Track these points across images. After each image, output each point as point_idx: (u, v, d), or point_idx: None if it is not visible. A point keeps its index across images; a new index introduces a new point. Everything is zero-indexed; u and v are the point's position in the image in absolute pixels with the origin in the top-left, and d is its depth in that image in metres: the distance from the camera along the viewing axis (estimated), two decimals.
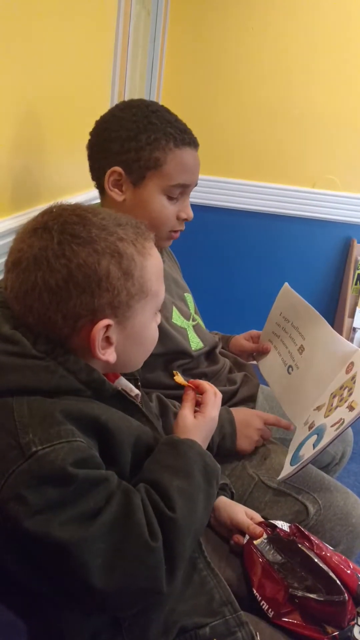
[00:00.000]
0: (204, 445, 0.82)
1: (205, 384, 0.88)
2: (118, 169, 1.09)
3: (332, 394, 1.10)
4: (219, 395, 0.89)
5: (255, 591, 0.86)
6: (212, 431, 0.86)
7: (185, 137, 1.10)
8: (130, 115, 1.09)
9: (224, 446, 1.15)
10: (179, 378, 0.92)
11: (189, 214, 1.16)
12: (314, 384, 1.18)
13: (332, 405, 1.08)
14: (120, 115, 1.10)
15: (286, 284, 1.35)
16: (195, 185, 1.17)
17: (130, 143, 1.08)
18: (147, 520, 0.66)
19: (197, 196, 2.53)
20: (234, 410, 1.20)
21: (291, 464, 1.08)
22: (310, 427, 1.11)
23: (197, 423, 0.83)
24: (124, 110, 1.11)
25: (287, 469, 1.09)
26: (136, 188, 1.10)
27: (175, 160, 1.09)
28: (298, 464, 1.04)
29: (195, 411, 0.86)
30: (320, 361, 1.18)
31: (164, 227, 1.14)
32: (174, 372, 0.95)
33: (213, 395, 0.87)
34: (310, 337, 1.23)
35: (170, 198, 1.12)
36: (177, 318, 1.19)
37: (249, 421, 1.19)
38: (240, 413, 1.20)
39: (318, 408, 1.13)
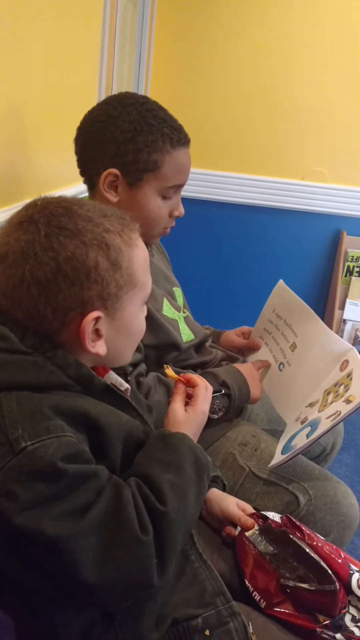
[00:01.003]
0: (195, 439, 0.82)
1: (196, 378, 0.88)
2: (114, 170, 1.08)
3: (326, 391, 1.11)
4: (210, 389, 0.89)
5: (247, 582, 0.87)
6: (202, 424, 0.86)
7: (180, 137, 1.10)
8: (126, 114, 1.08)
9: (242, 396, 1.21)
10: (170, 372, 0.92)
11: (181, 211, 1.17)
12: (306, 381, 1.18)
13: (326, 401, 1.08)
14: (115, 114, 1.08)
15: (281, 281, 1.35)
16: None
17: (127, 145, 1.07)
18: (138, 514, 0.66)
19: (187, 189, 2.53)
20: (234, 364, 1.27)
21: (282, 453, 1.09)
22: (302, 422, 1.11)
23: (187, 417, 0.83)
24: (118, 108, 1.09)
25: (277, 457, 1.09)
26: (132, 190, 1.10)
27: (173, 162, 1.09)
28: (289, 453, 1.05)
29: (186, 404, 0.86)
30: (314, 358, 1.19)
31: (158, 226, 1.15)
32: (165, 365, 0.95)
33: (204, 389, 0.87)
34: (303, 334, 1.23)
35: (164, 198, 1.12)
36: (167, 310, 1.19)
37: (252, 371, 1.26)
38: (241, 366, 1.26)
39: (311, 405, 1.14)
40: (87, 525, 0.62)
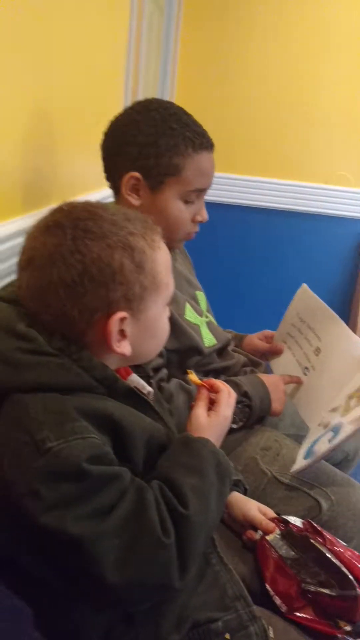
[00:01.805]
0: (217, 444, 0.82)
1: (219, 384, 0.89)
2: (136, 174, 1.09)
3: (348, 395, 1.10)
4: (233, 395, 0.89)
5: (268, 586, 0.87)
6: (225, 430, 0.86)
7: (203, 141, 1.11)
8: (149, 119, 1.09)
9: (263, 408, 1.20)
10: (193, 377, 0.92)
11: (204, 216, 1.17)
12: (329, 385, 1.18)
13: (349, 406, 1.08)
14: (138, 119, 1.10)
15: (304, 284, 1.34)
16: (210, 187, 1.18)
17: (149, 149, 1.08)
18: (160, 517, 0.66)
19: (211, 193, 2.53)
20: (259, 375, 1.25)
21: (304, 458, 1.09)
22: (324, 427, 1.11)
23: (210, 422, 0.84)
24: (142, 113, 1.11)
25: (299, 463, 1.09)
26: (154, 193, 1.11)
27: (194, 166, 1.10)
28: (311, 459, 1.05)
29: (209, 409, 0.86)
30: (337, 363, 1.18)
31: (180, 230, 1.15)
32: (188, 370, 0.95)
33: (227, 395, 0.87)
34: (326, 338, 1.23)
35: (187, 202, 1.13)
36: (190, 314, 1.20)
37: (276, 384, 1.24)
38: (266, 377, 1.24)
39: (334, 409, 1.13)
40: (109, 526, 0.63)
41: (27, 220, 1.13)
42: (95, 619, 0.72)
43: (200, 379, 0.91)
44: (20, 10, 1.04)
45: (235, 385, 1.18)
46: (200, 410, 0.85)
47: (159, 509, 0.67)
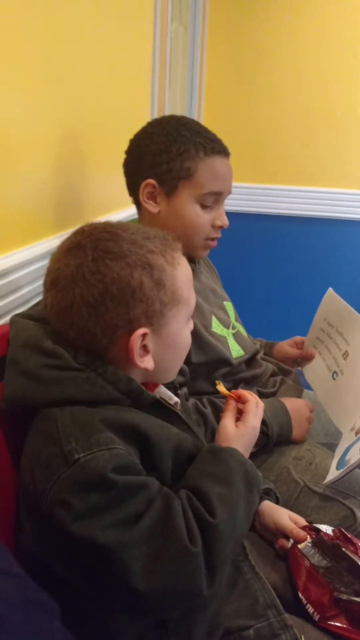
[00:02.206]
0: (246, 454, 0.83)
1: (247, 394, 0.90)
2: (151, 181, 1.13)
3: None
4: (261, 405, 0.90)
5: (300, 595, 0.87)
6: (253, 440, 0.87)
7: (214, 146, 1.14)
8: (160, 129, 1.14)
9: (282, 435, 1.18)
10: (221, 387, 0.93)
11: (224, 221, 1.18)
12: (359, 389, 1.17)
13: None
14: (150, 131, 1.16)
15: (330, 289, 1.34)
16: (229, 193, 1.19)
17: (161, 156, 1.12)
18: (187, 526, 0.67)
19: (239, 204, 2.58)
20: (284, 400, 1.23)
21: (337, 469, 1.08)
22: (357, 433, 1.10)
23: (238, 432, 0.85)
24: (155, 126, 1.16)
25: (333, 473, 1.08)
26: (170, 198, 1.14)
27: (206, 169, 1.12)
28: (345, 468, 1.04)
29: (237, 419, 0.87)
30: None
31: (199, 235, 1.17)
32: (216, 381, 0.97)
33: (255, 405, 0.88)
34: (355, 342, 1.22)
35: (203, 206, 1.15)
36: (216, 327, 1.21)
37: (300, 410, 1.22)
38: (291, 403, 1.22)
39: None
40: (137, 534, 0.65)
41: (60, 239, 1.18)
42: (128, 626, 0.73)
43: (228, 390, 0.92)
44: (47, 34, 1.09)
45: None
46: (228, 421, 0.86)
47: (186, 517, 0.68)
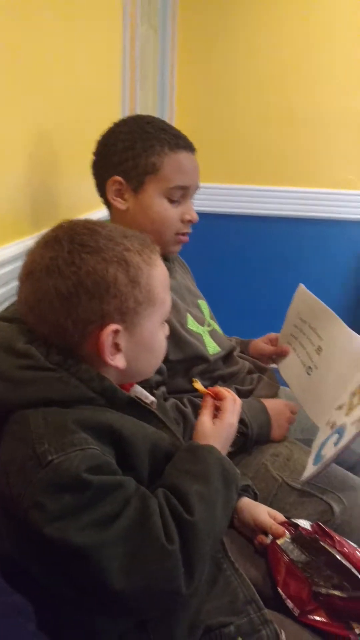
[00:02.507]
0: (224, 451, 0.83)
1: (224, 391, 0.90)
2: (118, 178, 1.15)
3: (352, 392, 1.11)
4: (239, 402, 0.90)
5: (280, 590, 0.87)
6: (231, 437, 0.87)
7: (179, 142, 1.15)
8: (126, 128, 1.17)
9: (261, 435, 1.19)
10: (198, 385, 0.93)
11: (193, 215, 1.19)
12: (333, 383, 1.18)
13: (352, 404, 1.08)
14: (116, 130, 1.18)
15: (301, 285, 1.36)
16: (197, 188, 1.21)
17: (127, 152, 1.14)
18: (164, 524, 0.67)
19: (213, 205, 2.59)
20: (264, 400, 1.24)
21: (314, 464, 1.09)
22: (332, 427, 1.11)
23: (215, 429, 0.85)
24: (120, 125, 1.18)
25: (310, 469, 1.09)
26: (137, 194, 1.15)
27: (171, 163, 1.14)
28: (320, 464, 1.05)
29: (215, 416, 0.87)
30: (339, 360, 1.19)
31: (169, 230, 1.18)
32: (193, 379, 0.97)
33: (232, 402, 0.88)
34: (327, 337, 1.24)
35: (171, 201, 1.16)
36: (192, 324, 1.22)
37: (280, 410, 1.23)
38: (270, 403, 1.23)
39: (339, 407, 1.13)
40: (113, 534, 0.64)
41: (33, 242, 1.17)
42: (108, 627, 0.73)
43: (205, 387, 0.92)
44: (17, 36, 1.09)
45: None
46: (205, 418, 0.86)
47: (163, 515, 0.68)
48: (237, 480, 0.80)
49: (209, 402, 0.89)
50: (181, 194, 1.17)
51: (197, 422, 0.86)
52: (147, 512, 0.67)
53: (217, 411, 0.88)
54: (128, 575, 0.64)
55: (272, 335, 1.45)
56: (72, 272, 0.72)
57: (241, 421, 1.16)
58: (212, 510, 0.72)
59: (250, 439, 1.18)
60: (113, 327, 0.73)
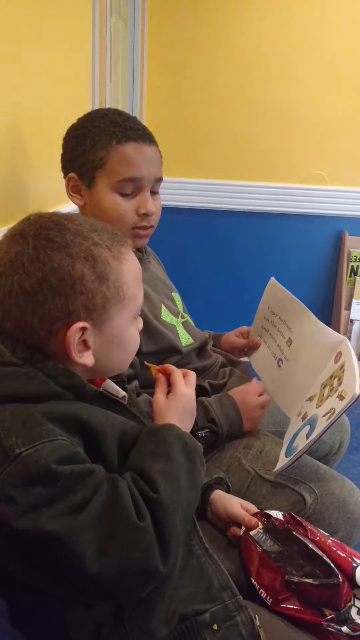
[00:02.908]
0: (185, 423, 0.83)
1: (170, 366, 0.89)
2: (73, 175, 1.15)
3: (322, 384, 1.12)
4: (192, 374, 0.89)
5: (253, 580, 0.88)
6: (189, 408, 0.86)
7: (129, 133, 1.13)
8: (79, 123, 1.17)
9: (232, 431, 1.19)
10: (150, 364, 0.92)
11: (148, 208, 1.16)
12: (304, 375, 1.20)
13: (323, 395, 1.09)
14: (72, 127, 1.18)
15: (272, 278, 1.37)
16: (155, 180, 1.18)
17: (78, 149, 1.14)
18: (135, 503, 0.67)
19: (182, 199, 2.59)
20: (232, 392, 1.23)
21: (286, 456, 1.10)
22: (303, 418, 1.12)
23: (169, 402, 0.84)
24: (78, 121, 1.18)
25: (282, 461, 1.10)
26: (90, 190, 1.15)
27: (118, 156, 1.13)
28: (292, 455, 1.06)
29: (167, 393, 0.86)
30: (309, 352, 1.20)
31: (124, 224, 1.15)
32: (145, 362, 0.94)
33: (179, 374, 0.87)
34: (297, 329, 1.25)
35: (123, 194, 1.14)
36: (166, 315, 1.22)
37: (247, 402, 1.22)
38: (239, 394, 1.22)
39: (310, 399, 1.15)
40: (86, 519, 0.64)
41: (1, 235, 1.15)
42: (83, 619, 0.72)
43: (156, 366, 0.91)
44: None
45: (204, 410, 1.18)
46: (158, 395, 0.85)
47: (133, 496, 0.68)
48: (199, 453, 0.79)
49: (160, 380, 0.88)
50: (133, 186, 1.14)
51: (153, 401, 0.86)
52: (117, 493, 0.67)
53: (169, 387, 0.87)
54: (103, 558, 0.64)
55: (244, 328, 1.46)
56: (37, 268, 0.70)
57: (211, 420, 1.17)
58: (177, 485, 0.72)
59: (221, 437, 1.18)
60: (80, 324, 0.72)
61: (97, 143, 1.12)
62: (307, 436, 1.04)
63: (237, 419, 1.20)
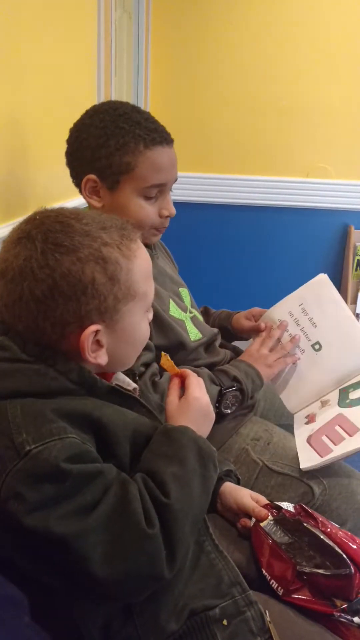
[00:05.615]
0: (198, 426, 0.82)
1: (186, 370, 0.89)
2: (92, 176, 1.11)
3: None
4: (200, 380, 0.88)
5: (264, 571, 0.89)
6: (203, 412, 0.85)
7: (155, 137, 1.10)
8: (98, 121, 1.11)
9: (255, 386, 1.23)
10: (166, 360, 0.90)
11: (171, 210, 1.16)
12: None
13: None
14: (88, 122, 1.12)
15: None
16: (175, 181, 1.18)
17: (100, 150, 1.09)
18: (144, 509, 0.67)
19: (188, 194, 2.58)
20: (241, 357, 1.28)
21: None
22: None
23: (181, 406, 0.83)
24: (93, 117, 1.12)
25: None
26: (113, 193, 1.12)
27: (147, 162, 1.10)
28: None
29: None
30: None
31: (146, 226, 1.15)
32: (163, 353, 0.92)
33: (194, 377, 0.87)
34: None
35: (147, 198, 1.13)
36: (174, 310, 1.21)
37: (253, 356, 1.26)
38: (243, 358, 1.27)
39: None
40: (94, 522, 0.64)
41: (6, 229, 1.15)
42: (94, 614, 0.73)
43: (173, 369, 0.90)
44: None
45: (224, 373, 1.20)
46: (171, 398, 0.85)
47: (142, 500, 0.68)
48: (213, 457, 0.78)
49: (174, 382, 0.87)
50: (158, 190, 1.13)
51: (165, 403, 0.86)
52: (128, 497, 0.67)
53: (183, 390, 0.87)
54: (110, 562, 0.64)
55: (256, 310, 1.40)
56: (47, 274, 0.69)
57: (234, 379, 1.20)
58: (189, 490, 0.72)
59: (246, 394, 1.21)
60: (93, 327, 0.72)
61: (123, 147, 1.08)
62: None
63: (254, 373, 1.22)
